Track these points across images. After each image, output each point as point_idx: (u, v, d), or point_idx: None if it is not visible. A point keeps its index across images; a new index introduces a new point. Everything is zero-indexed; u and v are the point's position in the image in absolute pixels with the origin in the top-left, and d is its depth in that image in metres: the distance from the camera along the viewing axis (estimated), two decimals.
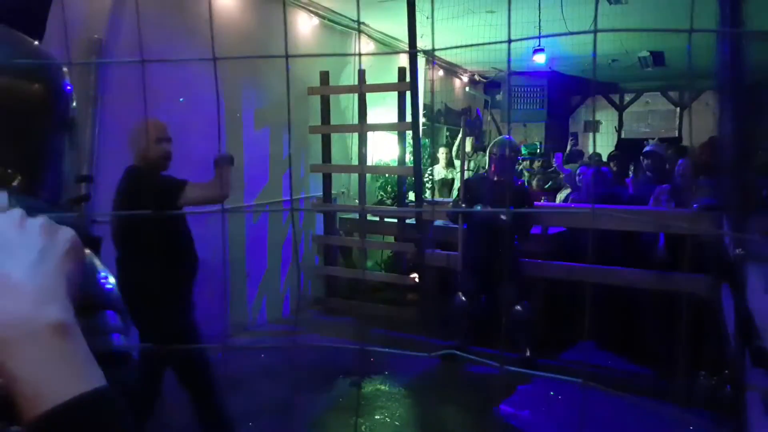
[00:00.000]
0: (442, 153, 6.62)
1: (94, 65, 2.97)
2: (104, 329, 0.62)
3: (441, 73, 8.07)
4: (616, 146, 8.83)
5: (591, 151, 8.33)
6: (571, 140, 7.83)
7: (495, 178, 3.60)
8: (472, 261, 3.65)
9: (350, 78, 5.16)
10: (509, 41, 0.38)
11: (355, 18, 5.71)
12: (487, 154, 3.72)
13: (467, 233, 3.76)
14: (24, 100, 0.63)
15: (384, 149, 6.06)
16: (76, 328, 0.44)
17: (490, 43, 0.43)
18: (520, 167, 6.79)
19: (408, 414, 3.16)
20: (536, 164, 6.51)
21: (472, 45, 0.42)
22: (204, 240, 3.55)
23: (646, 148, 4.64)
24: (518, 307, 3.53)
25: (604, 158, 7.89)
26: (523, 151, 7.85)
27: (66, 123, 0.69)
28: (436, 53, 7.30)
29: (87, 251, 0.55)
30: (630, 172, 5.71)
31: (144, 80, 0.66)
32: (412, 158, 4.45)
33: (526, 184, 6.22)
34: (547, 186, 5.83)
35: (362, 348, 0.56)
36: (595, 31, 0.38)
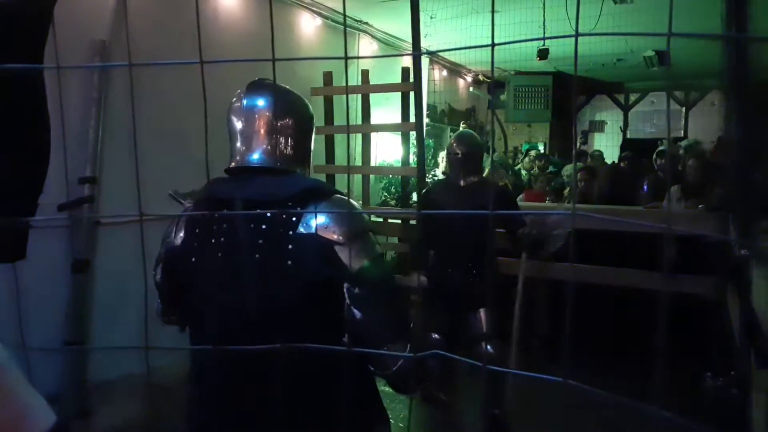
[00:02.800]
0: (442, 158, 6.40)
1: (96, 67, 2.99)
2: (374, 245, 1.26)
3: (445, 73, 8.05)
4: (621, 146, 8.80)
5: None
6: (581, 139, 7.77)
7: (461, 183, 2.90)
8: (442, 288, 2.83)
9: (354, 78, 5.17)
10: (492, 45, 0.38)
11: (359, 18, 5.72)
12: (446, 153, 3.05)
13: (434, 254, 2.98)
14: (292, 123, 1.32)
15: (387, 150, 6.05)
16: (11, 364, 0.45)
17: (472, 47, 0.43)
18: (518, 167, 6.72)
19: (410, 414, 3.15)
20: (536, 165, 6.46)
21: (457, 48, 0.42)
22: None
23: (660, 148, 4.61)
24: (489, 348, 2.79)
25: (606, 157, 7.85)
26: (524, 147, 7.81)
27: (311, 132, 1.38)
28: (438, 53, 7.28)
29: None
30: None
31: (131, 83, 0.66)
32: (415, 159, 4.44)
33: (514, 184, 6.12)
34: (549, 187, 5.78)
35: (350, 350, 0.56)
36: (576, 35, 0.38)
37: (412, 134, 4.33)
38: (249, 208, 1.19)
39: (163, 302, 1.43)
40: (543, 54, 6.26)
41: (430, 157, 5.50)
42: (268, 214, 1.18)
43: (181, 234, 1.29)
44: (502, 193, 3.19)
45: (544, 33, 5.42)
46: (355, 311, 1.17)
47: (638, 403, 0.65)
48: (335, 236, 1.17)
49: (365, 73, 4.59)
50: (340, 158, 4.92)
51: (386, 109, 5.11)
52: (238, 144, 1.29)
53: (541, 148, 9.02)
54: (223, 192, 1.26)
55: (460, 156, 2.91)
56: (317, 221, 1.17)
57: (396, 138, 5.21)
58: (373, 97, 4.69)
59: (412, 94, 4.23)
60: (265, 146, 1.27)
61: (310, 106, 1.38)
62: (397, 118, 4.60)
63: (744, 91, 1.71)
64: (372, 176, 5.36)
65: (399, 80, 4.46)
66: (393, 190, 5.70)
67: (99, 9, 3.18)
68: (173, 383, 3.26)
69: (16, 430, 0.44)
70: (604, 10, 4.92)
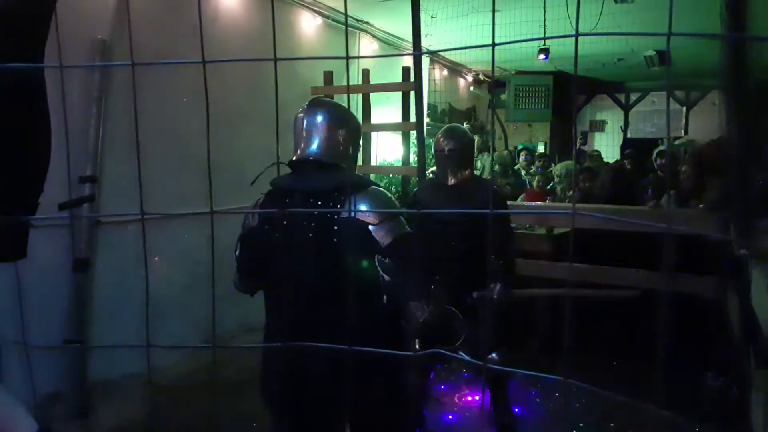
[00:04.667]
0: None
1: (97, 66, 2.99)
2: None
3: (445, 72, 8.05)
4: (622, 146, 8.79)
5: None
6: (580, 139, 7.74)
7: (451, 182, 2.62)
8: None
9: (355, 78, 5.17)
10: (492, 44, 0.38)
11: (360, 18, 5.72)
12: (433, 149, 2.80)
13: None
14: (342, 134, 1.69)
15: (388, 149, 6.04)
16: None
17: (473, 47, 0.43)
18: (517, 166, 6.70)
19: None
20: (536, 164, 6.45)
21: (458, 48, 0.42)
22: (206, 241, 3.55)
23: (659, 148, 4.59)
24: (493, 355, 2.61)
25: (606, 157, 7.82)
26: (519, 147, 7.81)
27: (358, 138, 1.79)
28: (439, 53, 7.28)
29: None
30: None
31: (134, 83, 0.66)
32: (416, 158, 4.45)
33: (527, 184, 6.11)
34: (549, 187, 5.77)
35: (351, 349, 0.56)
36: (576, 35, 0.38)
37: (413, 134, 4.34)
38: (306, 196, 1.60)
39: (239, 273, 1.76)
40: (544, 53, 6.25)
41: (430, 157, 5.48)
42: (319, 202, 1.58)
43: (257, 217, 1.69)
44: (495, 196, 2.81)
45: (545, 32, 5.41)
46: (385, 276, 1.55)
47: (639, 402, 0.65)
48: (371, 219, 1.55)
49: (366, 73, 4.59)
50: None
51: (387, 109, 5.10)
52: (300, 146, 1.68)
53: (541, 147, 9.01)
54: (286, 183, 1.65)
55: (447, 153, 2.62)
56: (356, 207, 1.55)
57: (396, 137, 5.21)
58: (374, 97, 4.69)
59: (412, 93, 4.24)
60: (318, 146, 1.65)
61: (358, 118, 1.79)
62: (397, 118, 4.61)
63: (742, 90, 1.71)
64: (372, 175, 5.36)
65: (400, 80, 4.46)
66: (393, 189, 5.70)
67: (100, 8, 3.18)
68: (173, 382, 3.28)
69: None
70: (605, 10, 4.91)
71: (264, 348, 1.76)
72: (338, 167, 1.65)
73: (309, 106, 1.70)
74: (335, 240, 1.53)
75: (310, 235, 1.56)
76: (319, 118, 1.66)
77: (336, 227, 1.54)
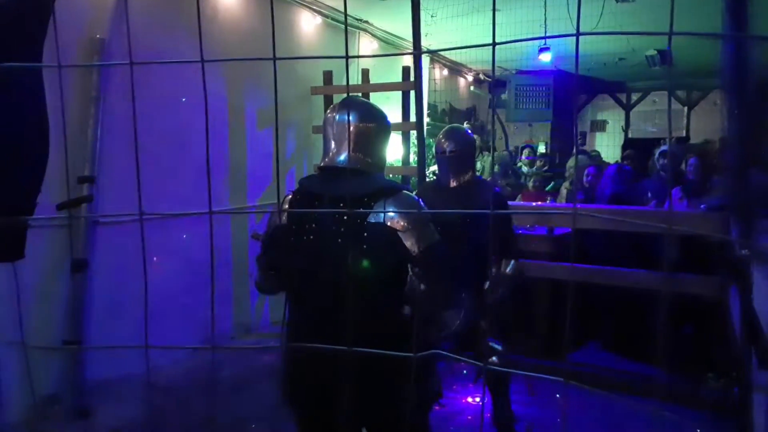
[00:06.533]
0: None
1: (96, 66, 2.98)
2: None
3: (445, 72, 8.04)
4: (623, 146, 8.78)
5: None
6: (579, 140, 7.74)
7: (452, 184, 2.61)
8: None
9: (354, 77, 5.16)
10: (493, 44, 0.37)
11: (360, 17, 5.71)
12: (434, 150, 2.76)
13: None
14: (373, 132, 1.66)
15: (388, 149, 6.02)
16: None
17: (473, 46, 0.42)
18: (518, 165, 6.69)
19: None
20: (537, 164, 6.44)
21: (458, 47, 0.41)
22: (205, 241, 3.54)
23: (662, 148, 4.58)
24: (494, 358, 2.57)
25: (607, 157, 7.81)
26: (522, 146, 7.82)
27: (387, 138, 1.72)
28: (439, 52, 7.27)
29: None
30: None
31: (132, 82, 0.65)
32: (416, 158, 4.43)
33: (525, 184, 6.09)
34: (548, 187, 5.75)
35: (350, 350, 0.55)
36: (577, 34, 0.37)
37: (413, 133, 4.32)
38: (335, 201, 1.55)
39: (261, 272, 1.75)
40: (544, 53, 6.25)
41: (430, 157, 5.47)
42: (348, 208, 1.54)
43: (284, 218, 1.64)
44: (497, 198, 2.74)
45: (546, 32, 5.41)
46: (420, 284, 1.51)
47: (640, 402, 0.64)
48: (399, 225, 1.51)
49: (366, 72, 4.58)
50: None
51: (387, 108, 5.07)
52: (331, 147, 1.64)
53: (542, 147, 9.00)
54: (316, 187, 1.63)
55: (448, 154, 2.59)
56: (386, 213, 1.51)
57: (396, 137, 5.20)
58: (374, 96, 4.68)
59: (412, 93, 4.23)
60: (350, 151, 1.61)
61: (388, 118, 1.72)
62: (397, 118, 4.60)
63: (742, 89, 1.70)
64: None
65: (400, 79, 4.45)
66: None
67: (98, 7, 3.17)
68: (173, 383, 3.27)
69: None
70: (606, 9, 4.90)
71: (285, 348, 1.72)
72: (368, 173, 1.62)
73: (339, 107, 1.65)
74: (364, 246, 1.49)
75: (339, 240, 1.52)
76: (351, 123, 1.61)
77: (365, 233, 1.50)
